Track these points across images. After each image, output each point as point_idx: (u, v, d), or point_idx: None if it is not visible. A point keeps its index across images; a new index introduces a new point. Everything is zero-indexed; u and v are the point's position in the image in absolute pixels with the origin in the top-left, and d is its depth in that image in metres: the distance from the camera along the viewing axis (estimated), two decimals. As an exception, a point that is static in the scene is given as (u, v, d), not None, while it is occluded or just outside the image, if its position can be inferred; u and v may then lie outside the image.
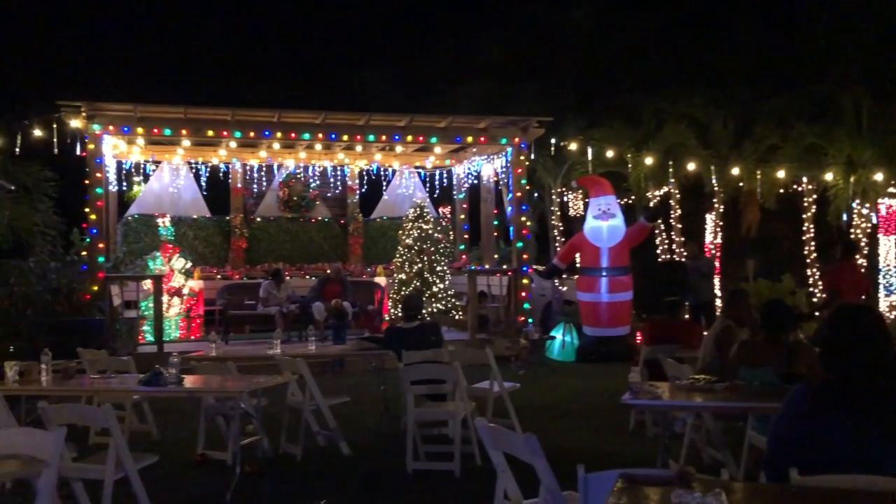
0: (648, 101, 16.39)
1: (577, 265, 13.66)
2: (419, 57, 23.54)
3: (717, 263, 15.18)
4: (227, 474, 5.88)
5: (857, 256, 13.23)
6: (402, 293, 14.03)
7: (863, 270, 12.93)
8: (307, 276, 15.38)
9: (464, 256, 16.53)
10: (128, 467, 4.65)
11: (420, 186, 17.57)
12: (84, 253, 12.31)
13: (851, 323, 3.29)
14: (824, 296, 12.31)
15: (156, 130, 12.84)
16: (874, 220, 15.61)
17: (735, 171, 15.66)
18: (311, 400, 6.96)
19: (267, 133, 13.29)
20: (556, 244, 16.19)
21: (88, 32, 27.02)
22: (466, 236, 17.09)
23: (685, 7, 20.62)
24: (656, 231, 16.17)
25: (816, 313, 11.38)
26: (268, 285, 13.69)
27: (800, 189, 16.27)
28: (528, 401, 8.80)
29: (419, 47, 24.13)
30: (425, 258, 14.51)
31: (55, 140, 12.27)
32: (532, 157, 14.34)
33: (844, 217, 15.28)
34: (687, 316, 12.19)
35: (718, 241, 16.15)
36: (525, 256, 13.60)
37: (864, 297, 10.08)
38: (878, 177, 14.71)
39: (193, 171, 16.31)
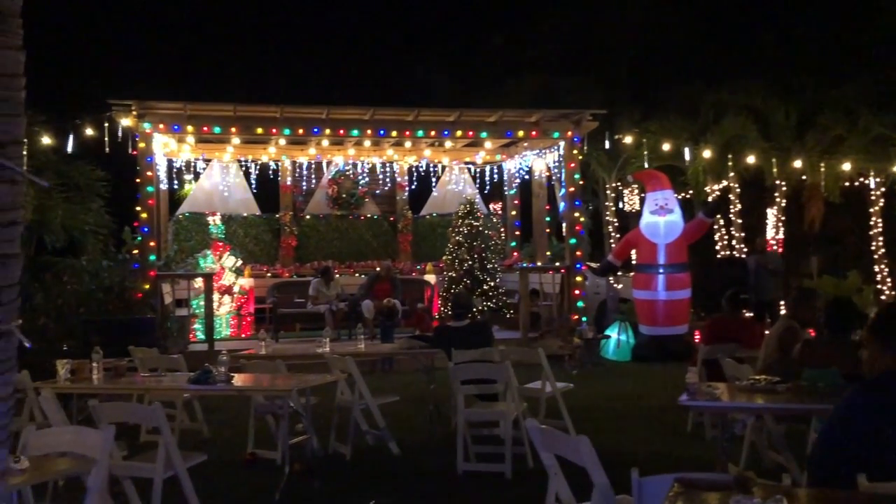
0: (706, 93, 16.14)
1: (633, 262, 13.51)
2: (471, 51, 23.54)
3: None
4: (276, 473, 5.94)
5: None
6: (452, 291, 14.03)
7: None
8: (356, 274, 15.47)
9: (515, 254, 16.46)
10: (177, 466, 4.72)
11: (470, 182, 17.54)
12: (136, 251, 12.55)
13: None
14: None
15: (205, 129, 13.04)
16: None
17: (798, 163, 15.33)
18: (361, 399, 6.99)
19: (316, 130, 13.39)
20: (611, 240, 16.04)
21: (138, 32, 27.55)
22: (518, 233, 17.02)
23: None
24: (715, 227, 15.92)
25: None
26: (317, 283, 13.82)
27: (867, 182, 15.87)
28: (582, 401, 8.73)
29: (471, 41, 24.11)
30: (475, 255, 14.48)
31: (106, 139, 12.52)
32: (585, 151, 14.21)
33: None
34: (749, 314, 11.98)
35: (780, 236, 15.82)
36: (578, 253, 13.50)
37: None
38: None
39: (243, 168, 16.52)
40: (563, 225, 14.08)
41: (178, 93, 13.94)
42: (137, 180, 12.49)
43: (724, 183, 15.84)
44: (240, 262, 14.75)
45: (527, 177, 16.17)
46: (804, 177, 15.84)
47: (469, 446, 6.48)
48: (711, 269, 15.21)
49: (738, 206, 15.80)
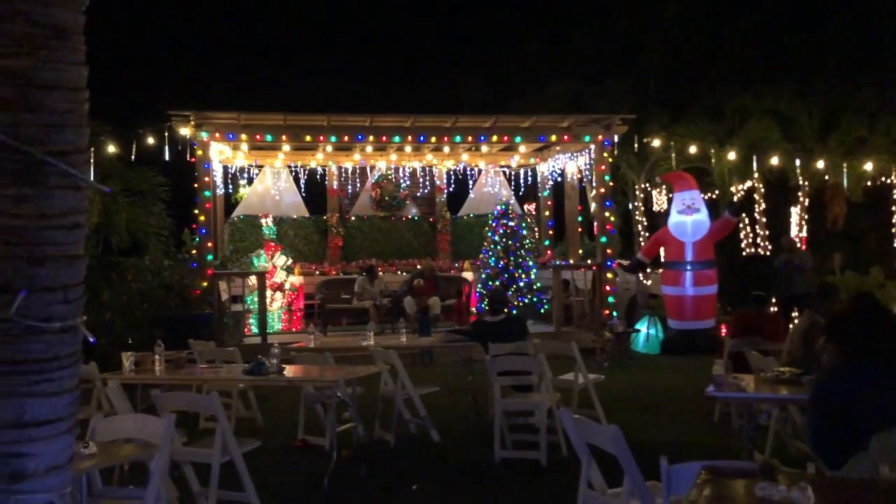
0: (732, 97, 15.90)
1: (662, 259, 13.36)
2: (505, 60, 23.42)
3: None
4: (325, 459, 5.97)
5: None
6: (489, 287, 13.98)
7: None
8: (398, 272, 15.50)
9: (549, 252, 16.38)
10: (233, 451, 4.75)
11: (505, 185, 17.48)
12: (194, 251, 12.69)
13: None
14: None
15: (258, 137, 13.15)
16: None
17: (820, 164, 15.03)
18: (403, 389, 7.00)
19: (360, 137, 13.44)
20: (640, 239, 15.87)
21: (196, 48, 27.92)
22: (551, 232, 16.92)
23: (770, 2, 19.86)
24: (741, 225, 15.67)
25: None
26: (362, 281, 13.87)
27: (888, 182, 15.50)
28: (613, 393, 8.65)
29: (505, 51, 23.98)
30: (511, 254, 14.43)
31: (167, 147, 12.69)
32: (615, 153, 14.08)
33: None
34: (774, 309, 11.77)
35: (804, 234, 15.53)
36: (609, 251, 13.37)
37: None
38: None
39: (293, 174, 16.64)
40: (595, 224, 13.97)
41: (232, 104, 14.10)
42: (195, 185, 12.65)
43: (749, 183, 15.59)
44: (290, 261, 14.86)
45: (559, 179, 16.07)
46: (827, 177, 15.52)
47: (506, 435, 6.45)
48: (737, 265, 14.98)
49: (763, 205, 15.54)
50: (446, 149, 15.36)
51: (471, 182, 17.65)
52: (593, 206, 14.10)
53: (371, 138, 13.44)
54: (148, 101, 15.03)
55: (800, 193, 15.51)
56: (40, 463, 2.36)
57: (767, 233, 15.34)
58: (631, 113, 13.73)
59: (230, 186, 16.10)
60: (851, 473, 3.20)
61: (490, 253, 14.62)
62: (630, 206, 16.70)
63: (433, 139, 13.74)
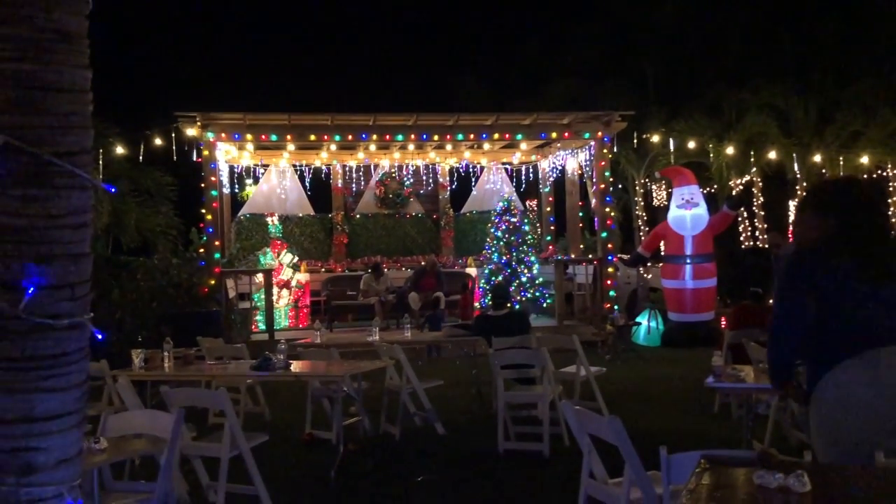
0: (729, 93, 15.88)
1: (662, 253, 13.36)
2: (506, 59, 23.43)
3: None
4: (331, 452, 5.98)
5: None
6: (492, 283, 13.99)
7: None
8: (403, 268, 15.51)
9: (550, 247, 16.38)
10: (241, 445, 4.76)
11: (507, 181, 17.47)
12: (202, 250, 12.72)
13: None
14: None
15: (263, 137, 13.16)
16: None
17: (817, 158, 15.01)
18: (408, 383, 7.01)
19: (364, 136, 13.44)
20: (640, 233, 15.88)
21: (201, 50, 27.95)
22: (553, 228, 16.92)
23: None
24: (739, 219, 15.65)
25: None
26: (367, 278, 13.89)
27: (885, 174, 15.47)
28: (614, 385, 8.66)
29: (506, 50, 24.00)
30: (513, 249, 14.43)
31: (173, 148, 12.71)
32: (615, 149, 14.08)
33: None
34: (772, 301, 11.75)
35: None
36: (610, 246, 13.37)
37: None
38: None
39: (298, 172, 16.65)
40: (595, 219, 13.97)
41: (238, 104, 14.10)
42: (202, 185, 12.67)
43: (747, 177, 15.58)
44: (296, 259, 14.87)
45: (560, 175, 16.07)
46: (824, 170, 15.50)
47: (509, 427, 6.46)
48: (736, 258, 14.97)
49: (761, 199, 15.52)
50: (449, 146, 15.36)
51: (473, 179, 17.65)
52: (594, 201, 14.10)
53: (374, 137, 13.44)
54: (155, 103, 15.04)
55: (797, 187, 15.48)
56: (50, 456, 2.37)
57: (766, 226, 15.32)
58: (630, 109, 13.73)
59: (236, 186, 16.11)
60: (824, 397, 3.04)
61: (493, 249, 14.62)
62: (630, 201, 16.70)
63: (436, 137, 13.74)
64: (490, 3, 28.30)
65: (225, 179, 14.60)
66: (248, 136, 13.03)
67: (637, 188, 16.15)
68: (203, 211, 12.58)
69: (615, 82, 18.06)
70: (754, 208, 15.59)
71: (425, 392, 7.04)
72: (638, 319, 13.13)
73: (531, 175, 17.11)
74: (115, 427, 3.98)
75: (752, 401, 5.35)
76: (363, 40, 30.14)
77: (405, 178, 16.94)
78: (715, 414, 7.37)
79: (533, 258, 14.52)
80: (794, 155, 14.95)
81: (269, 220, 15.51)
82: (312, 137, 13.32)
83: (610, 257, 13.27)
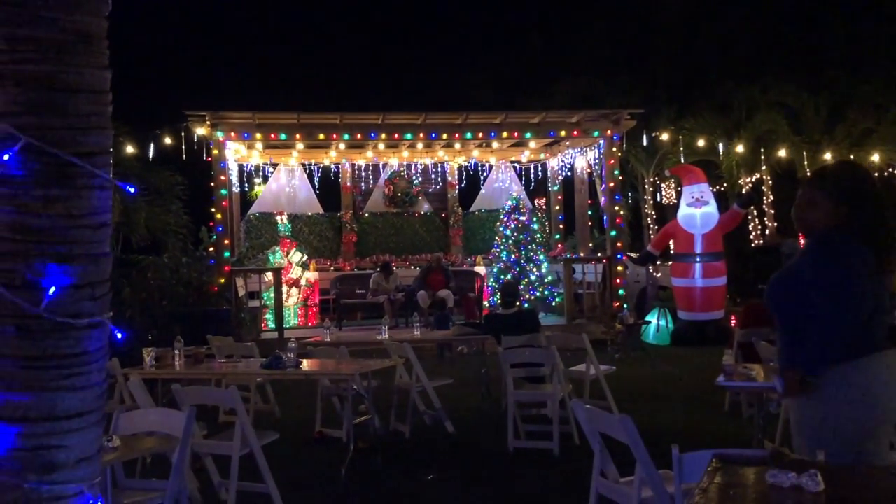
0: (739, 90, 15.84)
1: (671, 252, 13.34)
2: (515, 57, 23.39)
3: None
4: (342, 450, 6.00)
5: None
6: (501, 281, 14.00)
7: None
8: (412, 267, 15.53)
9: (559, 245, 16.37)
10: (252, 443, 4.78)
11: (516, 180, 17.46)
12: (211, 249, 12.75)
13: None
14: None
15: (272, 135, 13.20)
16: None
17: (828, 155, 14.95)
18: (418, 382, 7.03)
19: (373, 134, 13.46)
20: (650, 232, 15.85)
21: (210, 49, 28.02)
22: (561, 226, 16.89)
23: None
24: (749, 217, 15.60)
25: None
26: (377, 277, 13.92)
27: (895, 172, 15.41)
28: (624, 383, 8.65)
29: (515, 48, 23.95)
30: (522, 248, 14.44)
31: (183, 147, 12.76)
32: (624, 148, 14.06)
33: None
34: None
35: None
36: (619, 244, 13.36)
37: None
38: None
39: (307, 171, 16.69)
40: (605, 218, 13.95)
41: (247, 103, 14.16)
42: (212, 184, 12.71)
43: (757, 175, 15.53)
44: (305, 258, 14.91)
45: (569, 173, 16.04)
46: (835, 169, 15.44)
47: (519, 425, 6.47)
48: (746, 257, 14.92)
49: (771, 197, 15.47)
50: (457, 145, 15.36)
51: (482, 178, 17.65)
52: (603, 199, 14.09)
53: (383, 136, 13.46)
54: (165, 102, 15.10)
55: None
56: (71, 454, 2.40)
57: (776, 224, 15.27)
58: (639, 107, 13.70)
59: (246, 184, 16.16)
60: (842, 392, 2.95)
61: (501, 247, 14.64)
62: (639, 200, 16.67)
63: (444, 136, 13.75)
64: (499, 2, 28.29)
65: (234, 178, 14.64)
66: (258, 135, 13.07)
67: (646, 186, 16.11)
68: (213, 210, 12.62)
69: (624, 80, 18.03)
70: (764, 206, 15.53)
71: (435, 390, 7.06)
72: (647, 318, 13.11)
73: (540, 173, 17.09)
74: (127, 425, 4.01)
75: (763, 399, 5.34)
76: (372, 39, 30.17)
77: (414, 177, 16.95)
78: (725, 412, 7.36)
79: (542, 257, 14.53)
80: (805, 153, 14.88)
81: (278, 218, 15.56)
82: (321, 136, 13.35)
83: (619, 256, 13.26)
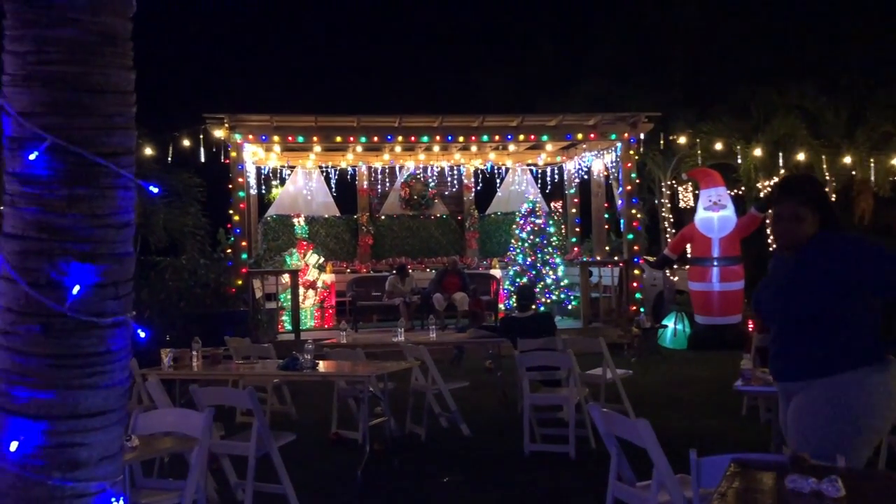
0: (757, 93, 15.73)
1: (689, 255, 13.27)
2: (531, 60, 23.34)
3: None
4: (358, 452, 6.01)
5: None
6: (516, 284, 13.97)
7: None
8: (427, 270, 15.54)
9: (576, 249, 16.34)
10: (269, 444, 4.80)
11: (532, 183, 17.44)
12: (229, 250, 12.81)
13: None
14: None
15: (290, 138, 13.25)
16: None
17: (847, 159, 14.82)
18: (434, 384, 7.03)
19: (389, 137, 13.49)
20: (667, 235, 15.76)
21: (228, 52, 28.20)
22: (578, 229, 16.86)
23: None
24: (767, 221, 15.48)
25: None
26: (393, 279, 13.93)
27: (916, 176, 15.26)
28: (641, 387, 8.62)
29: (531, 50, 23.88)
30: (538, 251, 14.41)
31: (202, 149, 12.83)
32: (641, 151, 14.01)
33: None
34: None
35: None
36: (636, 248, 13.31)
37: None
38: None
39: (324, 174, 16.75)
40: (622, 221, 13.91)
41: (265, 106, 14.19)
42: (230, 186, 12.77)
43: (776, 179, 15.41)
44: (322, 260, 14.95)
45: (586, 176, 16.01)
46: (854, 172, 15.30)
47: (535, 428, 6.46)
48: (764, 261, 14.80)
49: (790, 201, 15.34)
50: (474, 148, 15.37)
51: (498, 180, 17.64)
52: (620, 203, 14.04)
53: (400, 138, 13.49)
54: (183, 104, 15.20)
55: (827, 189, 15.29)
56: (93, 452, 2.43)
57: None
58: (656, 111, 13.64)
59: (263, 187, 16.23)
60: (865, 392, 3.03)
61: (517, 250, 14.62)
62: (656, 203, 16.59)
63: (461, 139, 13.76)
64: (515, 4, 28.27)
65: (252, 181, 14.73)
66: (275, 138, 13.13)
67: (663, 190, 16.03)
68: (231, 212, 12.68)
69: (641, 83, 17.96)
70: (783, 211, 15.40)
71: (450, 393, 7.06)
72: (664, 322, 13.06)
73: (556, 176, 17.07)
74: (145, 425, 4.03)
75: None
76: (389, 42, 30.23)
77: (430, 180, 16.97)
78: (742, 417, 7.32)
79: (558, 260, 14.50)
80: (824, 157, 14.76)
81: (295, 221, 15.62)
82: (338, 139, 13.39)
83: (636, 259, 13.21)
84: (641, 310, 12.78)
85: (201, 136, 12.77)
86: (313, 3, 29.52)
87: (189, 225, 13.31)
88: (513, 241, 14.96)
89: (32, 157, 2.35)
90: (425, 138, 13.55)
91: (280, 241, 15.75)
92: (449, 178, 17.03)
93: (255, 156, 14.57)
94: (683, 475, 3.26)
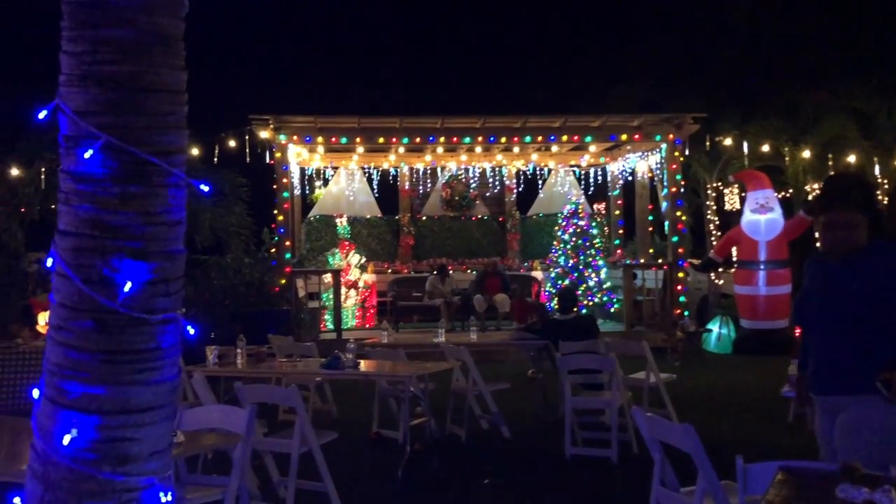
0: (806, 94, 15.42)
1: (734, 259, 13.07)
2: (575, 61, 23.19)
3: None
4: (398, 452, 6.04)
5: None
6: (558, 287, 13.89)
7: None
8: (468, 271, 15.53)
9: (619, 251, 16.19)
10: (311, 442, 4.83)
11: (575, 184, 17.32)
12: (273, 250, 12.95)
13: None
14: None
15: (333, 139, 13.36)
16: None
17: (900, 161, 14.47)
18: (474, 386, 7.02)
19: (431, 138, 13.52)
20: (712, 238, 15.54)
21: (274, 54, 28.52)
22: (621, 231, 16.70)
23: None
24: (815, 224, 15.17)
25: None
26: (433, 280, 13.96)
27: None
28: (685, 392, 8.50)
29: (575, 51, 23.73)
30: (580, 253, 14.31)
31: (247, 150, 13.01)
32: (687, 152, 13.83)
33: None
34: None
35: (883, 233, 14.94)
36: (680, 250, 13.14)
37: None
38: None
39: (366, 175, 16.85)
40: (666, 223, 13.74)
41: (309, 108, 14.32)
42: (274, 186, 12.92)
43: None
44: (364, 260, 15.04)
45: (630, 178, 15.85)
46: (908, 175, 14.93)
47: (576, 432, 6.41)
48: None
49: (840, 204, 15.00)
50: (516, 149, 15.33)
51: (540, 182, 17.56)
52: (664, 205, 13.88)
53: (442, 139, 13.51)
54: (229, 105, 15.41)
55: (878, 191, 14.93)
56: (143, 447, 2.47)
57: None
58: (702, 111, 13.46)
59: (307, 187, 16.38)
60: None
61: (559, 252, 14.53)
62: (702, 205, 16.37)
63: (503, 140, 13.73)
64: (558, 4, 28.11)
65: (296, 181, 14.87)
66: (319, 139, 13.25)
67: (709, 192, 15.80)
68: (275, 212, 12.83)
69: (687, 83, 17.73)
70: (832, 214, 15.07)
71: (491, 395, 7.04)
72: (709, 326, 12.87)
73: (599, 178, 16.93)
74: (190, 421, 4.08)
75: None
76: (432, 44, 30.30)
77: (471, 181, 16.96)
78: (790, 424, 7.18)
79: (601, 262, 14.37)
80: (875, 159, 14.41)
81: (337, 221, 15.74)
82: (381, 140, 13.46)
83: (680, 262, 13.04)
84: (685, 313, 12.63)
85: (247, 137, 12.95)
86: (358, 6, 29.73)
87: (234, 224, 13.50)
88: (555, 242, 14.88)
89: (87, 155, 2.40)
90: (467, 139, 13.54)
91: (323, 241, 15.88)
92: (490, 179, 17.01)
93: (298, 156, 14.72)
94: (728, 482, 3.21)
